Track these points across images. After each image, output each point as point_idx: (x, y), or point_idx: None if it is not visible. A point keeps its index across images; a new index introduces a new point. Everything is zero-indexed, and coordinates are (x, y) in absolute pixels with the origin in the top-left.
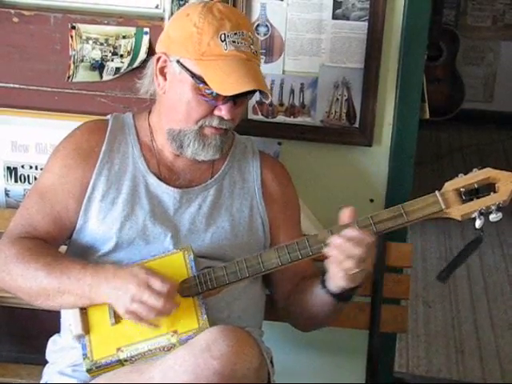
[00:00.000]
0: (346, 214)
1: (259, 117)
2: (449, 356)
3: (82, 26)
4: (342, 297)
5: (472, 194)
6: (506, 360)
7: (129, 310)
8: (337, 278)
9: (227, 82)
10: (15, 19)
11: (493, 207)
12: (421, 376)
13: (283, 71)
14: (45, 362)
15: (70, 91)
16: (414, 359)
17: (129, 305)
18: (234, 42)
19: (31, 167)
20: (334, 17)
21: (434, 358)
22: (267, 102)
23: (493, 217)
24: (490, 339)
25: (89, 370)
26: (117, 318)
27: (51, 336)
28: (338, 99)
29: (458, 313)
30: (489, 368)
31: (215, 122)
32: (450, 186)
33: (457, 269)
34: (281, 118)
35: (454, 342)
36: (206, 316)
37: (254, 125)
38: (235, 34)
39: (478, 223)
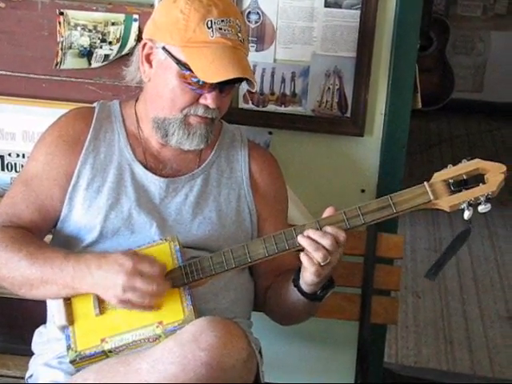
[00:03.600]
0: (326, 213)
1: (250, 106)
2: (438, 347)
3: (70, 13)
4: (312, 296)
5: (461, 185)
6: (494, 350)
7: (122, 299)
8: (306, 271)
9: (211, 69)
10: (2, 4)
11: (481, 198)
12: (410, 367)
13: (274, 60)
14: (32, 353)
15: (58, 78)
16: (404, 350)
17: (121, 294)
18: (220, 29)
19: (18, 155)
20: (326, 5)
21: (423, 348)
22: (253, 90)
23: (481, 208)
24: (479, 330)
25: (73, 361)
26: (101, 309)
27: (38, 327)
28: (329, 88)
29: (447, 304)
30: (478, 358)
31: (200, 111)
32: (438, 176)
33: (446, 265)
34: (271, 107)
35: (443, 332)
36: (191, 307)
37: (245, 114)
38: (222, 21)
39: (467, 214)
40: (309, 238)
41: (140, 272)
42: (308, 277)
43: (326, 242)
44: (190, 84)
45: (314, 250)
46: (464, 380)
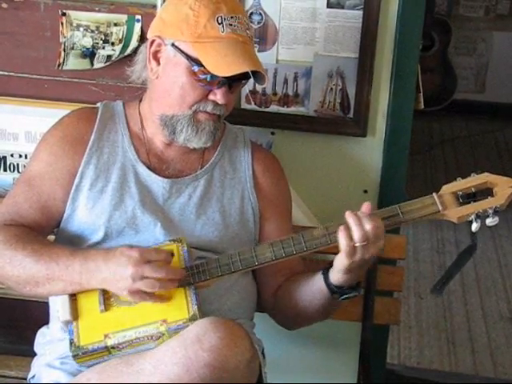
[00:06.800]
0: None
1: (252, 106)
2: (440, 347)
3: (72, 13)
4: (335, 289)
5: (469, 197)
6: (497, 351)
7: (132, 289)
8: (341, 252)
9: (223, 63)
10: (4, 5)
11: (490, 211)
12: (412, 367)
13: (277, 60)
14: (34, 354)
15: (61, 79)
16: (406, 351)
17: (131, 285)
18: (230, 25)
19: (20, 156)
20: (329, 5)
21: (425, 349)
22: (263, 86)
23: (489, 221)
24: (482, 331)
25: (75, 356)
26: (106, 305)
27: (40, 327)
28: (331, 89)
29: (449, 304)
30: (480, 359)
31: (209, 107)
32: (447, 188)
33: (452, 280)
34: (274, 108)
35: (446, 333)
36: (196, 306)
37: (247, 114)
38: (232, 17)
39: (475, 226)
40: (356, 215)
41: (148, 260)
42: (340, 260)
43: (368, 225)
44: (199, 80)
45: (355, 224)
46: (466, 381)
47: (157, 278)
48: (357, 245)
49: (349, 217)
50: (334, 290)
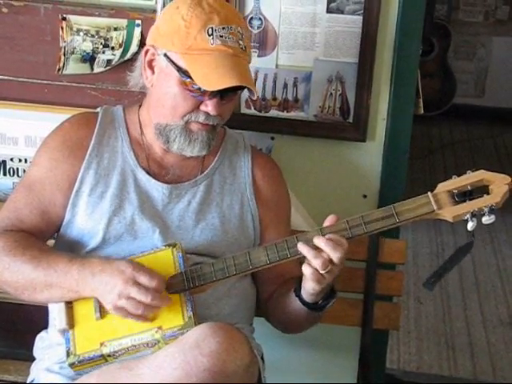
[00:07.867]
0: (328, 221)
1: (252, 111)
2: (440, 352)
3: (72, 18)
4: (313, 306)
5: (465, 195)
6: (496, 356)
7: (116, 305)
8: (307, 279)
9: (211, 77)
10: (4, 10)
11: (485, 209)
12: (412, 372)
13: (277, 65)
14: (33, 358)
15: (61, 83)
16: (405, 355)
17: (116, 301)
18: (221, 36)
19: (20, 160)
20: (329, 10)
21: (425, 354)
22: (254, 98)
23: (485, 219)
24: (481, 335)
25: (72, 365)
26: (102, 313)
27: (39, 332)
28: (331, 94)
29: (449, 309)
30: (480, 364)
31: (201, 118)
32: (442, 187)
33: (445, 275)
34: (274, 113)
35: (445, 338)
36: (191, 313)
37: (247, 119)
38: (223, 28)
39: (470, 225)
40: (309, 245)
41: (137, 282)
42: (309, 285)
43: (329, 252)
44: (190, 91)
45: (312, 258)
46: None
47: (141, 301)
48: (322, 272)
49: (302, 250)
50: (313, 307)
